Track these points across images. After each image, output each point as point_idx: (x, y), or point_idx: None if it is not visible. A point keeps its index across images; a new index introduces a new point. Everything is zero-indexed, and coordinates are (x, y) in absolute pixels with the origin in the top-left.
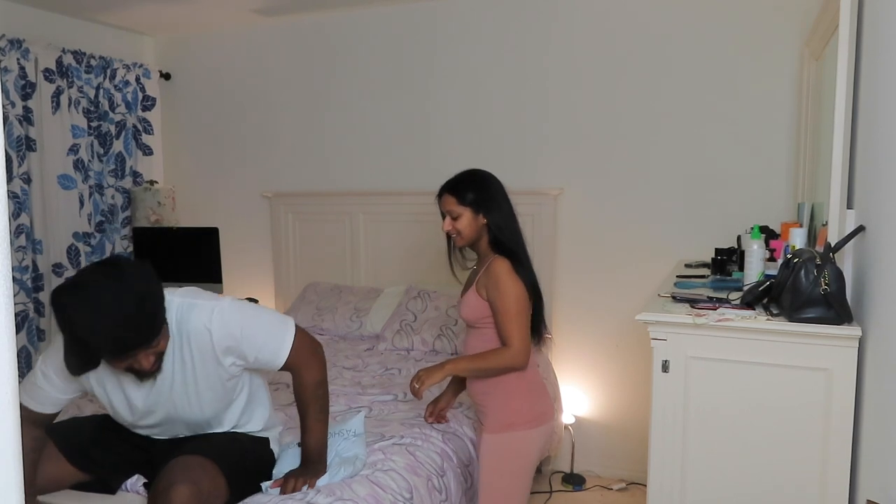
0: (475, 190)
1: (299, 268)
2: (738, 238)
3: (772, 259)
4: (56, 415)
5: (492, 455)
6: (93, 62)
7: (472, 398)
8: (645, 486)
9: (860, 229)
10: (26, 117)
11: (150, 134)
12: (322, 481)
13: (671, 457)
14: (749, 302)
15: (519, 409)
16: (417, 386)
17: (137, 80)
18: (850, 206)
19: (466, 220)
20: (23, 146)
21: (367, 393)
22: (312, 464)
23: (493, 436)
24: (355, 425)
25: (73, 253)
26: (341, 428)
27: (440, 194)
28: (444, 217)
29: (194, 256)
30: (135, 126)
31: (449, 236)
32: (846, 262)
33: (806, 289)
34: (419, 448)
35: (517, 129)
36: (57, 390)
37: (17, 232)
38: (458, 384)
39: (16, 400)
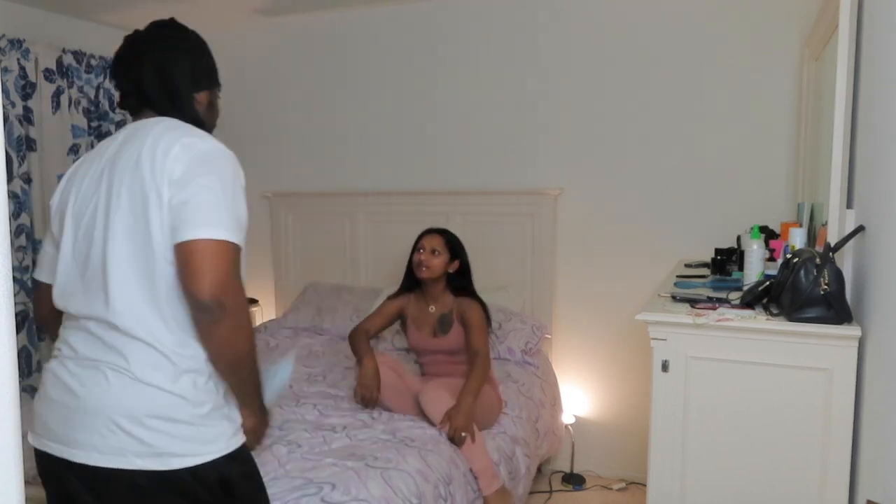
0: (455, 239)
1: (299, 268)
2: (738, 238)
3: (772, 259)
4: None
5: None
6: (93, 62)
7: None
8: (645, 486)
9: (860, 229)
10: (26, 117)
11: None
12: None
13: (671, 457)
14: (749, 302)
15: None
16: (464, 435)
17: None
18: (849, 206)
19: (442, 260)
20: (23, 146)
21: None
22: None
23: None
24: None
25: None
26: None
27: (427, 232)
28: (418, 252)
29: None
30: None
31: (418, 266)
32: (846, 262)
33: (806, 289)
34: (430, 452)
35: (518, 130)
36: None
37: (17, 232)
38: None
39: (16, 400)
